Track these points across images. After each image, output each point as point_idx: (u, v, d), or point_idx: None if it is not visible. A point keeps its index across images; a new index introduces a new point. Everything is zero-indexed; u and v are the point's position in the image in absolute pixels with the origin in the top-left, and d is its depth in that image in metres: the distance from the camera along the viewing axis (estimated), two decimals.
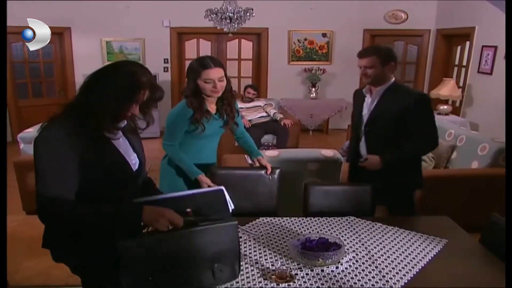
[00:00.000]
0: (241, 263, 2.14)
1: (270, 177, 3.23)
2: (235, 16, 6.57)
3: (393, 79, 3.34)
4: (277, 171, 3.25)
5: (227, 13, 6.54)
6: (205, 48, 9.55)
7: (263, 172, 3.24)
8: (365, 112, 3.41)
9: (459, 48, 8.37)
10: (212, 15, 6.65)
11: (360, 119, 3.46)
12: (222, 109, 3.16)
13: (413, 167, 3.47)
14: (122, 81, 1.94)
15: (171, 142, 3.14)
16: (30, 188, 4.86)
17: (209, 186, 3.01)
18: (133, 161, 2.18)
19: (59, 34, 8.89)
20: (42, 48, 8.64)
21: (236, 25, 6.72)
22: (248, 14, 6.64)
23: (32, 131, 5.19)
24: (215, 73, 2.94)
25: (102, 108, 1.92)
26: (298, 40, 9.37)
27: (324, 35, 9.29)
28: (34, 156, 1.91)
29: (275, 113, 7.34)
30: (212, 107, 3.14)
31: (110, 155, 2.06)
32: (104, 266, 1.94)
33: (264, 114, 7.30)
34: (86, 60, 8.78)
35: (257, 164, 3.31)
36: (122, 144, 2.14)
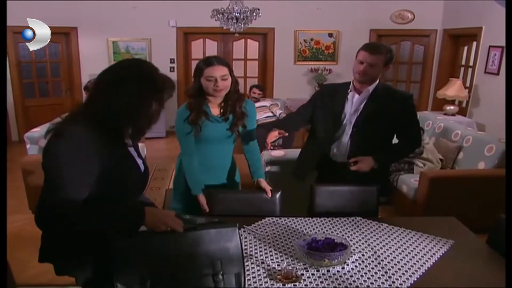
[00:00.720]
0: (247, 267, 2.14)
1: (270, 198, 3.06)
2: (242, 16, 6.57)
3: (378, 79, 3.25)
4: (278, 193, 3.08)
5: (234, 13, 6.54)
6: (211, 48, 9.54)
7: (263, 195, 3.07)
8: (350, 111, 3.23)
9: (466, 48, 8.34)
10: (218, 15, 6.65)
11: (338, 119, 3.25)
12: (227, 109, 3.03)
13: (382, 173, 3.34)
14: (151, 85, 1.91)
15: (183, 151, 3.12)
16: (37, 188, 4.86)
17: (204, 209, 3.00)
18: (142, 167, 2.18)
19: (66, 34, 8.91)
20: (49, 48, 8.80)
21: (242, 25, 6.72)
22: (254, 14, 6.63)
23: (38, 131, 5.20)
24: (217, 70, 2.87)
25: (133, 114, 1.90)
26: (304, 40, 9.36)
27: (330, 35, 9.28)
28: (52, 156, 1.85)
29: (281, 113, 7.33)
30: (215, 110, 3.04)
31: (127, 161, 2.06)
32: (106, 276, 1.89)
33: (270, 114, 7.30)
34: (93, 60, 8.79)
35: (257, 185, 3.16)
36: (132, 150, 2.14)
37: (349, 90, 3.24)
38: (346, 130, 3.23)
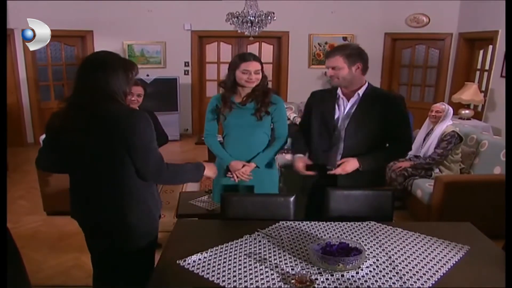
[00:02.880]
0: (261, 267, 2.14)
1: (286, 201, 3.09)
2: (256, 20, 6.58)
3: (367, 82, 3.24)
4: (292, 197, 3.05)
5: (249, 17, 6.55)
6: (226, 51, 9.56)
7: (278, 199, 3.12)
8: (343, 116, 3.23)
9: (481, 52, 8.27)
10: (233, 19, 6.66)
11: (330, 123, 3.26)
12: (250, 97, 3.32)
13: (375, 179, 3.33)
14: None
15: (206, 132, 3.53)
16: (51, 189, 4.92)
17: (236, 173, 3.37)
18: None
19: (82, 37, 9.00)
20: (65, 51, 8.84)
21: (257, 29, 6.73)
22: (269, 17, 6.64)
23: None
24: (252, 65, 3.23)
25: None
26: (318, 43, 9.35)
27: (345, 38, 9.25)
28: (140, 130, 2.29)
29: (294, 117, 7.32)
30: (238, 98, 3.36)
31: None
32: None
33: None
34: None
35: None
36: None
37: (338, 96, 3.26)
38: (340, 135, 3.23)
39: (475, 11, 8.13)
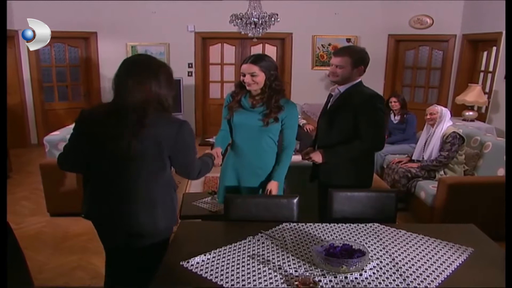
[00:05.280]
0: (265, 269, 2.14)
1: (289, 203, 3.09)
2: (260, 21, 6.59)
3: (359, 80, 3.40)
4: (296, 199, 3.04)
5: (252, 18, 6.55)
6: (229, 53, 9.59)
7: (281, 200, 3.11)
8: (328, 107, 3.54)
9: (485, 53, 8.26)
10: (237, 20, 6.67)
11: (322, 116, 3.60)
12: (259, 101, 3.28)
13: (361, 168, 3.50)
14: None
15: (220, 129, 3.54)
16: (55, 190, 4.92)
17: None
18: None
19: (85, 39, 9.02)
20: (69, 52, 8.86)
21: (260, 30, 6.74)
22: (272, 19, 6.65)
23: (58, 134, 5.23)
24: (246, 68, 3.18)
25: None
26: (322, 45, 9.35)
27: (348, 40, 9.24)
28: (190, 134, 2.50)
29: (298, 118, 7.31)
30: (250, 100, 3.33)
31: None
32: None
33: None
34: (112, 64, 8.75)
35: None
36: None
37: (332, 91, 3.53)
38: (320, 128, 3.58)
39: (479, 13, 8.11)
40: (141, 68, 2.36)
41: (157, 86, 2.34)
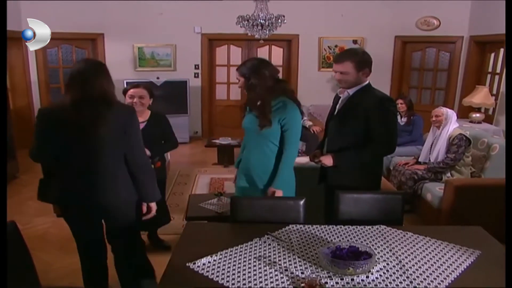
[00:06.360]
0: (271, 270, 2.14)
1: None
2: (267, 23, 6.59)
3: (367, 82, 3.35)
4: (302, 201, 3.02)
5: (259, 20, 6.56)
6: (236, 54, 9.59)
7: (288, 202, 3.09)
8: (337, 110, 3.49)
9: (493, 55, 8.23)
10: (243, 22, 6.67)
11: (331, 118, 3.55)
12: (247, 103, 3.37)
13: (370, 170, 3.44)
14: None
15: None
16: None
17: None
18: None
19: (92, 40, 9.04)
20: (76, 53, 8.89)
21: (267, 32, 6.74)
22: (279, 21, 6.65)
23: None
24: (236, 73, 3.31)
25: None
26: (328, 46, 9.34)
27: (355, 41, 9.23)
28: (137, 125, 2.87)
29: (304, 119, 7.31)
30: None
31: None
32: None
33: None
34: (118, 65, 8.84)
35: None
36: None
37: (340, 93, 3.47)
38: (329, 131, 3.55)
39: (486, 14, 8.09)
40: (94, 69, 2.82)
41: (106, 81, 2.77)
